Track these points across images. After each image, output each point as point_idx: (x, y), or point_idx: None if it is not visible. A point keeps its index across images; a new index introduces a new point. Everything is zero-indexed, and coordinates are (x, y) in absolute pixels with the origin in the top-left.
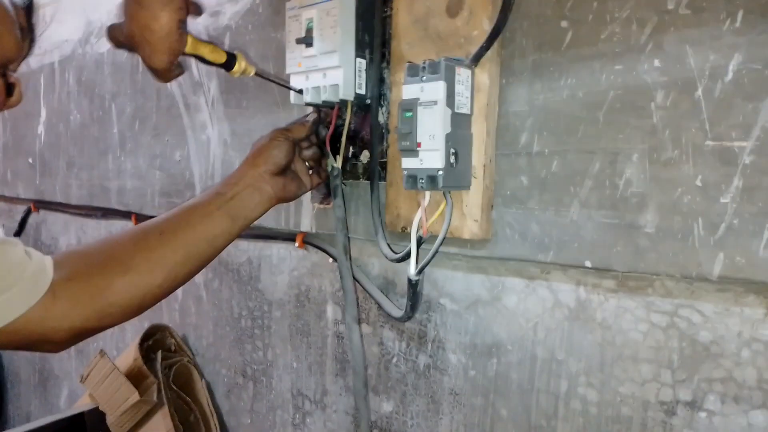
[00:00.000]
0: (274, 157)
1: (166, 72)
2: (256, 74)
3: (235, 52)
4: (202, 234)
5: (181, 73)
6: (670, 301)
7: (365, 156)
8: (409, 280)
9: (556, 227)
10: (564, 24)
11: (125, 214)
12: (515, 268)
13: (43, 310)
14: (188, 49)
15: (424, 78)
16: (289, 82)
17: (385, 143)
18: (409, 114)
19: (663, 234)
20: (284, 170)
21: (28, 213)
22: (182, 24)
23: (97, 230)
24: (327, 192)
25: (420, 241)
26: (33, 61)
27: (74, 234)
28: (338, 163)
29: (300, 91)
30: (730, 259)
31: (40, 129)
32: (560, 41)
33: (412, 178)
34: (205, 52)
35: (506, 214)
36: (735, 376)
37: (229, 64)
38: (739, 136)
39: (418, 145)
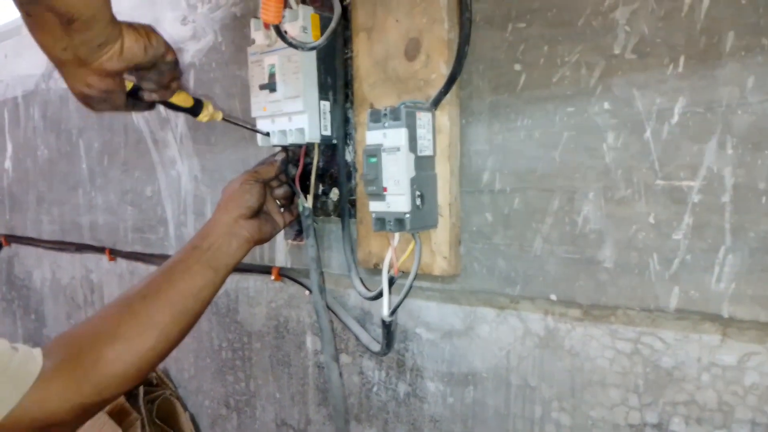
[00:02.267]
0: (247, 201)
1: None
2: (224, 119)
3: (202, 98)
4: (185, 290)
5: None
6: (633, 329)
7: (335, 193)
8: (383, 321)
9: (521, 262)
10: (517, 67)
11: (99, 249)
12: (485, 298)
13: (38, 396)
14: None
15: (386, 125)
16: (255, 126)
17: (353, 181)
18: (373, 159)
19: (621, 269)
20: (257, 212)
21: None
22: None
23: (72, 264)
24: (299, 229)
25: (392, 281)
26: None
27: (48, 268)
28: (309, 203)
29: (267, 134)
30: (685, 293)
31: (7, 164)
32: (515, 84)
33: (381, 221)
34: (174, 99)
35: (474, 250)
36: (697, 399)
37: (195, 110)
38: (687, 176)
39: (384, 189)
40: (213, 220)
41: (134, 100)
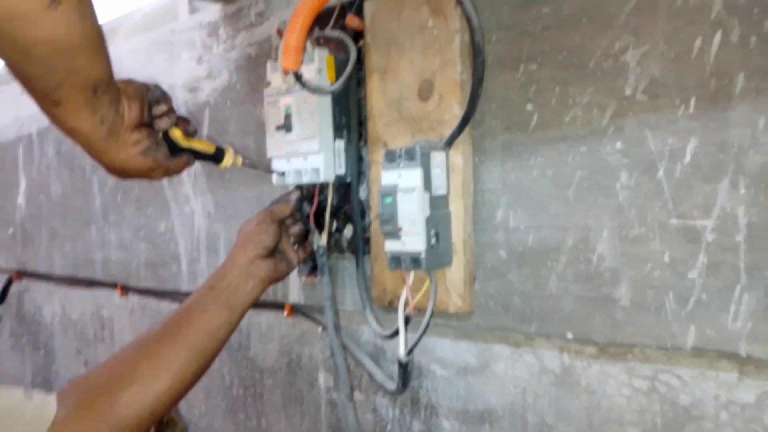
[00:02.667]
0: (263, 241)
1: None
2: (243, 164)
3: (224, 146)
4: (201, 330)
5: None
6: (650, 366)
7: (349, 230)
8: (400, 361)
9: (536, 299)
10: (529, 107)
11: (111, 285)
12: (500, 335)
13: None
14: (182, 143)
15: (401, 165)
16: (270, 167)
17: (366, 219)
18: (389, 199)
19: (637, 307)
20: (273, 251)
21: (9, 282)
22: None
23: (83, 299)
24: (313, 265)
25: (407, 320)
26: (11, 132)
27: (59, 303)
28: (323, 240)
29: (282, 174)
30: (701, 332)
31: (20, 199)
32: (527, 123)
33: (396, 260)
34: (197, 146)
35: (488, 287)
36: None
37: (218, 158)
38: (701, 216)
39: (399, 229)
40: (229, 260)
41: (170, 148)
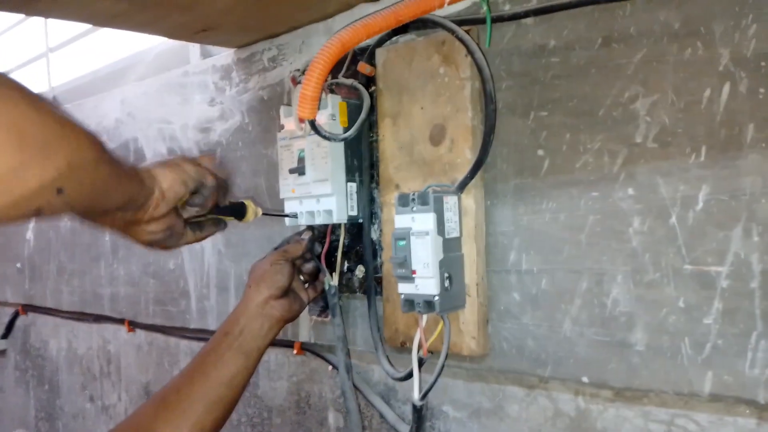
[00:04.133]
0: (278, 282)
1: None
2: (264, 214)
3: (244, 200)
4: (218, 380)
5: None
6: (666, 410)
7: (360, 270)
8: (414, 405)
9: (551, 343)
10: (540, 152)
11: (118, 320)
12: (514, 377)
13: None
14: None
15: (415, 209)
16: (284, 211)
17: (378, 259)
18: (402, 243)
19: (653, 352)
20: (287, 291)
21: (15, 316)
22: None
23: (89, 334)
24: (324, 305)
25: (421, 363)
26: None
27: (65, 338)
28: (335, 281)
29: (295, 216)
30: (718, 378)
31: (29, 234)
32: (539, 168)
33: (410, 303)
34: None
35: (502, 329)
36: None
37: (240, 214)
38: (715, 262)
39: (413, 272)
40: (244, 302)
41: (193, 225)
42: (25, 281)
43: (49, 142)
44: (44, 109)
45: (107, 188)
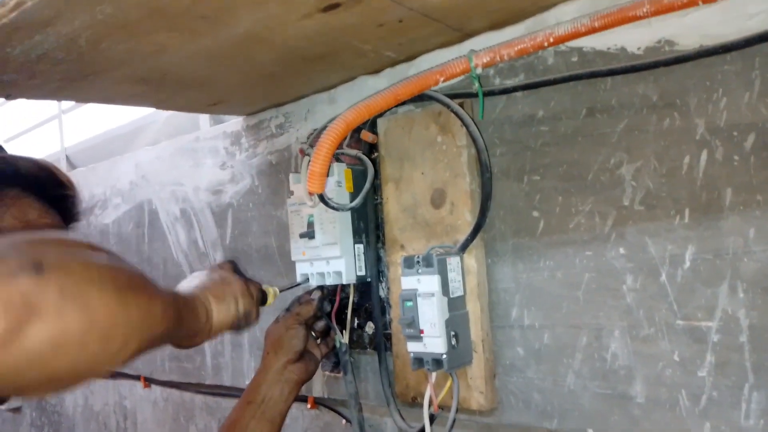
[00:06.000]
0: (294, 346)
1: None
2: (281, 291)
3: (263, 286)
4: None
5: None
6: None
7: (370, 327)
8: None
9: (556, 396)
10: (535, 214)
11: (134, 376)
12: (522, 430)
13: None
14: None
15: (420, 271)
16: (297, 281)
17: (387, 316)
18: (409, 304)
19: (653, 404)
20: (302, 353)
21: None
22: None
23: (105, 389)
24: (336, 360)
25: (432, 419)
26: None
27: (81, 394)
28: (345, 338)
29: (307, 280)
30: (716, 429)
31: None
32: (534, 228)
33: (419, 361)
34: None
35: (509, 383)
36: None
37: (263, 300)
38: (705, 317)
39: (421, 332)
40: (263, 369)
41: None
42: None
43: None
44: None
45: (171, 341)
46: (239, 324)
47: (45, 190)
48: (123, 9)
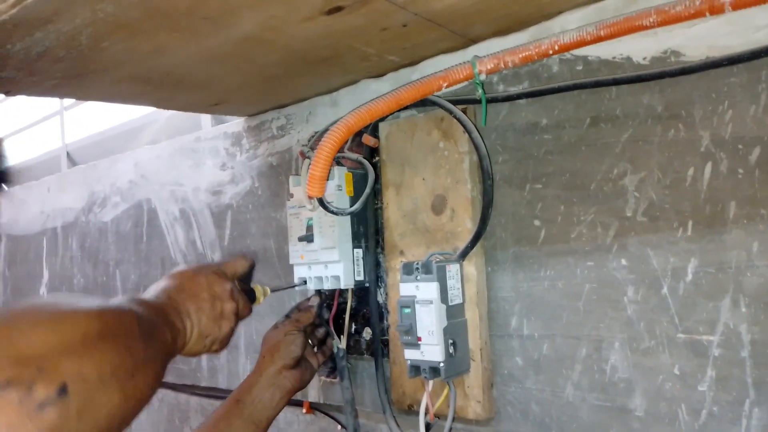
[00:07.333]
0: (292, 353)
1: None
2: (273, 291)
3: (252, 285)
4: None
5: None
6: None
7: (367, 333)
8: None
9: (554, 407)
10: (537, 222)
11: None
12: None
13: None
14: None
15: (419, 278)
16: (294, 284)
17: (385, 322)
18: (407, 310)
19: (652, 418)
20: (299, 360)
21: None
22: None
23: None
24: (333, 366)
25: (428, 428)
26: (36, 225)
27: None
28: (343, 344)
29: (304, 283)
30: None
31: (43, 290)
32: (536, 237)
33: (416, 368)
34: None
35: (506, 393)
36: None
37: (251, 298)
38: (706, 331)
39: (419, 339)
40: (257, 371)
41: None
42: None
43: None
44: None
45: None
46: (212, 345)
47: None
48: (124, 8)
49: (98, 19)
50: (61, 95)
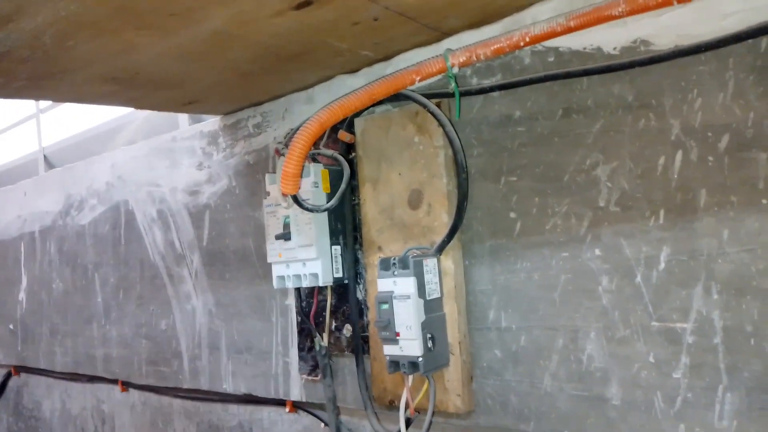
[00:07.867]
0: None
1: None
2: None
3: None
4: None
5: None
6: None
7: (348, 329)
8: None
9: (533, 398)
10: (512, 215)
11: (112, 380)
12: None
13: None
14: None
15: (396, 273)
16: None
17: (365, 318)
18: (385, 306)
19: (628, 406)
20: None
21: (8, 376)
22: None
23: (83, 394)
24: (314, 364)
25: (409, 422)
26: (13, 229)
27: (58, 398)
28: (324, 341)
29: (283, 279)
30: (690, 430)
31: (22, 295)
32: (511, 230)
33: (395, 364)
34: None
35: (486, 386)
36: None
37: None
38: (680, 319)
39: (397, 334)
40: None
41: None
42: (17, 342)
43: None
44: None
45: None
46: None
47: None
48: (87, 6)
49: (61, 17)
50: (30, 97)
